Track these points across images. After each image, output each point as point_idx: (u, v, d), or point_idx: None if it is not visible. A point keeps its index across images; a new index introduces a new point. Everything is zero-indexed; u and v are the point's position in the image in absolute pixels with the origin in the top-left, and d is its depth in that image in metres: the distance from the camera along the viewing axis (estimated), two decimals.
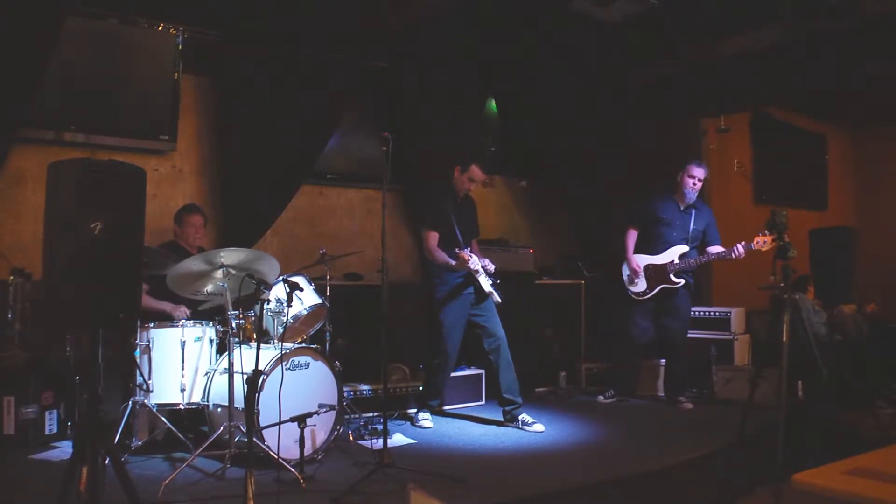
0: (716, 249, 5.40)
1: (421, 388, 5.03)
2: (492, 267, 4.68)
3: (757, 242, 4.95)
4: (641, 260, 5.52)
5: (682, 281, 5.42)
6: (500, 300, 4.65)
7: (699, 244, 5.49)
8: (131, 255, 2.48)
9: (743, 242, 5.08)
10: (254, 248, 5.02)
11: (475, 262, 4.52)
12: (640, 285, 5.50)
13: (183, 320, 4.06)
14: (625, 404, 5.64)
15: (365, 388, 4.99)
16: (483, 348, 4.83)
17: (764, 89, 6.46)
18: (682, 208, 5.51)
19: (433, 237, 4.71)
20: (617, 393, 5.71)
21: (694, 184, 5.42)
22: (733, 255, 5.15)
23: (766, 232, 4.93)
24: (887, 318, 6.46)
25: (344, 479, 3.46)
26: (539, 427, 4.62)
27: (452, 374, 5.34)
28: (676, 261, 5.42)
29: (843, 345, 5.53)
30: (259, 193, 5.29)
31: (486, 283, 4.61)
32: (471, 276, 4.65)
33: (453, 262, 4.58)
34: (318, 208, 5.94)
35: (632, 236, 5.59)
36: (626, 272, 5.59)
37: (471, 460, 3.96)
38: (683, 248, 5.45)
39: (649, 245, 5.54)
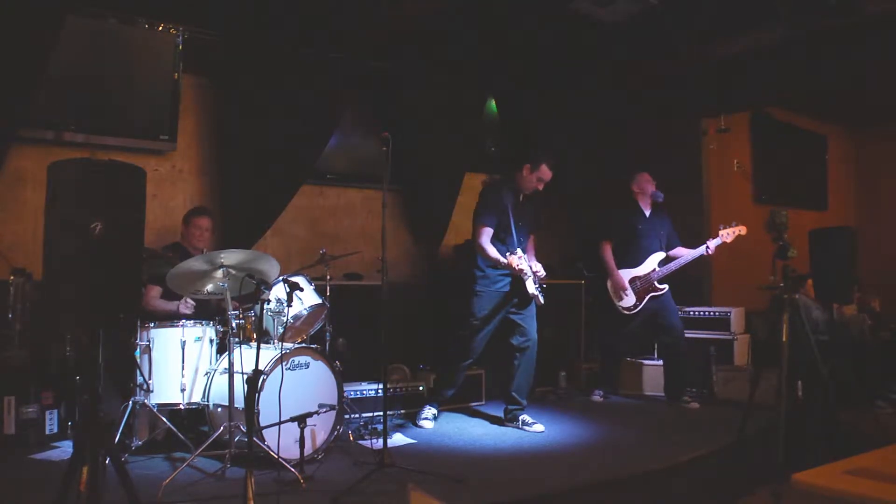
0: (684, 252, 5.52)
1: (433, 380, 5.01)
2: (542, 273, 4.61)
3: (722, 236, 5.28)
4: (625, 274, 5.57)
5: (666, 286, 5.51)
6: (542, 302, 4.60)
7: (666, 248, 5.63)
8: (131, 255, 2.48)
9: (711, 239, 5.32)
10: (254, 248, 5.03)
11: (524, 267, 4.42)
12: (629, 300, 5.55)
13: (184, 321, 4.06)
14: (624, 404, 5.65)
15: (371, 388, 4.97)
16: (511, 343, 4.77)
17: (764, 89, 6.46)
18: (647, 215, 5.64)
19: (485, 232, 4.63)
20: (606, 391, 5.81)
21: (653, 187, 5.59)
22: (708, 252, 5.35)
23: (727, 225, 5.29)
24: (888, 318, 6.45)
25: (344, 478, 3.46)
26: (539, 427, 4.62)
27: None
28: (658, 268, 5.51)
29: (844, 345, 5.52)
30: (259, 193, 5.29)
31: (531, 286, 4.52)
32: (517, 276, 4.59)
33: (503, 261, 4.48)
34: (318, 208, 5.94)
35: (608, 250, 5.65)
36: (611, 288, 5.64)
37: (471, 460, 3.96)
38: (661, 255, 5.57)
39: (628, 256, 5.61)
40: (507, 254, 4.45)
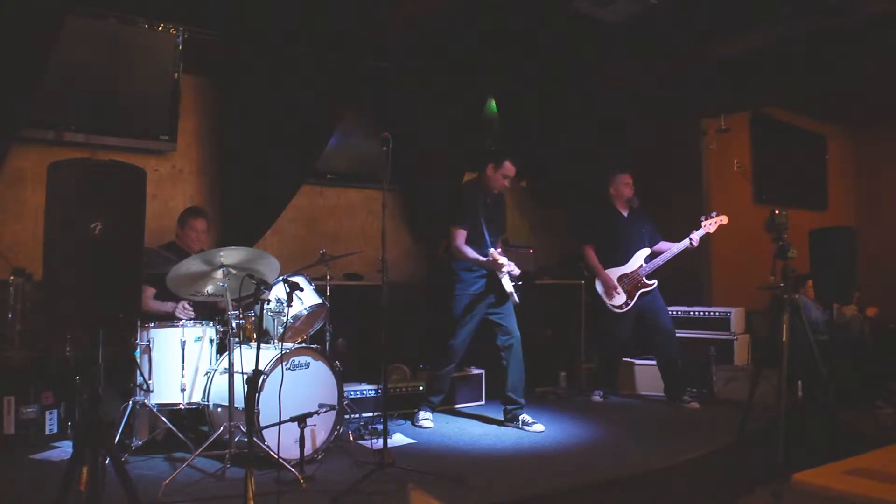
0: (668, 246, 5.54)
1: (422, 386, 5.03)
2: (517, 271, 4.67)
3: (704, 226, 5.31)
4: (612, 273, 5.59)
5: (655, 281, 5.53)
6: (518, 301, 4.68)
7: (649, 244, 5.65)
8: (131, 255, 2.48)
9: (694, 230, 5.32)
10: (254, 248, 5.02)
11: (504, 261, 4.52)
12: (620, 298, 5.56)
13: (184, 321, 4.06)
14: (624, 404, 5.66)
15: (371, 388, 4.97)
16: (496, 344, 4.80)
17: (764, 89, 6.46)
18: (626, 215, 5.67)
19: (461, 234, 4.68)
20: (606, 392, 5.82)
21: (631, 187, 5.63)
22: (692, 244, 5.35)
23: (708, 215, 5.29)
24: (888, 318, 6.46)
25: (344, 478, 3.46)
26: (539, 427, 4.62)
27: (454, 375, 5.35)
28: (644, 264, 5.54)
29: (843, 345, 5.53)
30: (259, 193, 5.29)
31: (508, 284, 4.60)
32: (492, 276, 4.65)
33: (484, 259, 4.56)
34: (318, 208, 5.94)
35: (591, 253, 5.68)
36: (600, 288, 5.66)
37: (471, 460, 3.96)
38: (646, 251, 5.59)
39: (613, 256, 5.62)
40: (490, 251, 4.50)
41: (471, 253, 4.63)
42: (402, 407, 5.05)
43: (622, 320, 5.60)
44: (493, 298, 4.74)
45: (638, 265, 5.54)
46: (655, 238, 5.66)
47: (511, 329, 4.77)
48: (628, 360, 6.04)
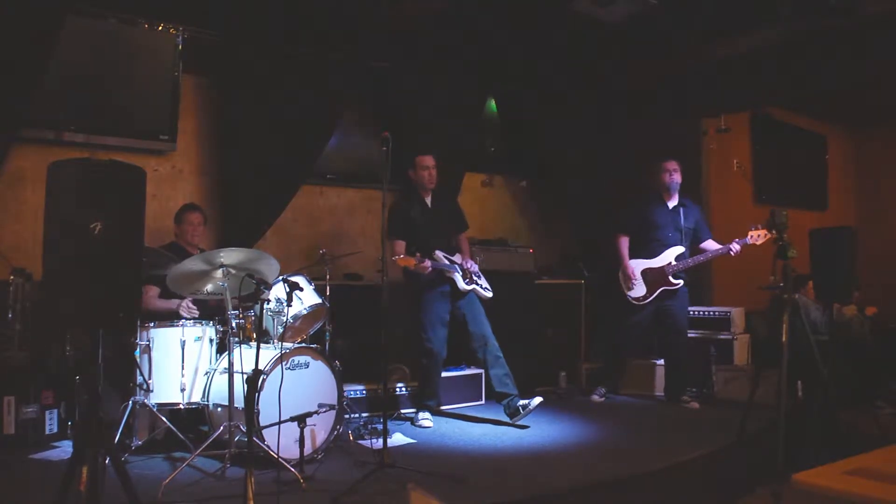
0: (712, 246, 5.46)
1: (414, 390, 5.04)
2: (475, 268, 4.79)
3: (751, 237, 5.15)
4: (638, 265, 5.53)
5: (681, 281, 5.44)
6: (487, 295, 4.75)
7: (691, 241, 5.54)
8: (131, 255, 2.48)
9: (737, 239, 5.21)
10: (254, 248, 5.03)
11: (426, 263, 4.52)
12: (639, 290, 5.50)
13: (184, 321, 4.06)
14: (625, 404, 5.66)
15: (370, 389, 4.98)
16: (471, 349, 4.85)
17: (764, 89, 6.46)
18: (670, 207, 5.55)
19: (398, 245, 4.75)
20: (608, 390, 5.78)
21: (671, 175, 5.49)
22: (731, 253, 5.25)
23: (758, 226, 5.10)
24: (888, 318, 6.45)
25: (344, 478, 3.46)
26: (537, 399, 4.63)
27: (453, 374, 5.36)
28: (674, 262, 5.44)
29: (844, 345, 5.53)
30: (259, 193, 5.29)
31: (460, 281, 4.68)
32: (443, 274, 4.70)
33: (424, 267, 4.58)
34: (318, 208, 5.94)
35: (624, 243, 5.61)
36: (621, 277, 5.61)
37: (471, 460, 3.96)
38: (680, 249, 5.48)
39: (644, 248, 5.55)
40: (399, 256, 4.48)
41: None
42: (402, 407, 5.06)
43: (638, 314, 5.52)
44: (451, 295, 4.78)
45: (666, 262, 5.44)
46: (703, 234, 5.53)
47: (475, 328, 4.80)
48: (650, 360, 5.99)
